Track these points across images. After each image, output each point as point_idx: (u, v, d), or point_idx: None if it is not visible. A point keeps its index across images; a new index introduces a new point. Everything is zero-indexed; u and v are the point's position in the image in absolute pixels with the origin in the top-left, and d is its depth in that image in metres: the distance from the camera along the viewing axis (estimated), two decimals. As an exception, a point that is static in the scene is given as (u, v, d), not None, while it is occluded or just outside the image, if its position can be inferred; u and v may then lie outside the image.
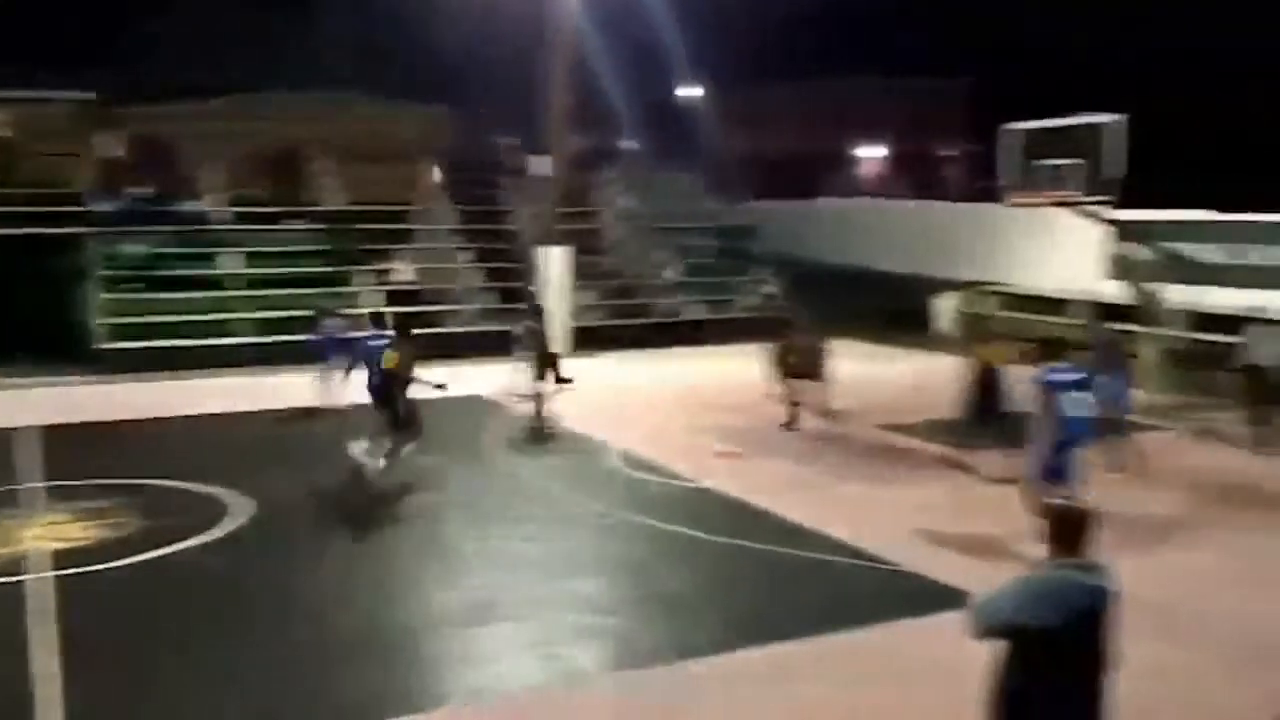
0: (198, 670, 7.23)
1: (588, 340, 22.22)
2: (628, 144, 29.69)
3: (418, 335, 13.13)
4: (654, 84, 33.49)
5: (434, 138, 27.83)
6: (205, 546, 9.76)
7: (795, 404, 14.70)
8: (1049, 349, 10.00)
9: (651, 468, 12.61)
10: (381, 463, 11.84)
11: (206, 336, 20.50)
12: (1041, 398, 9.45)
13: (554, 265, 22.10)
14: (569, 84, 22.03)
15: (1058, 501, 4.81)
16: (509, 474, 12.61)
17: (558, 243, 22.26)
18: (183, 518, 10.46)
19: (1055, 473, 9.26)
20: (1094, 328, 13.94)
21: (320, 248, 23.55)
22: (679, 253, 26.73)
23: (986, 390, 12.68)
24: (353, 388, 15.89)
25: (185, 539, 9.85)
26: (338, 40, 33.18)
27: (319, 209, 24.69)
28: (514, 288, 23.85)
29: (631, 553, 9.74)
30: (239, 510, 10.79)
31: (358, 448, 12.05)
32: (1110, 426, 11.67)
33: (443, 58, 28.50)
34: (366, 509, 11.06)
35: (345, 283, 22.67)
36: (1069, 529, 4.57)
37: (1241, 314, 14.90)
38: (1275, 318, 14.77)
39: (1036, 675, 4.46)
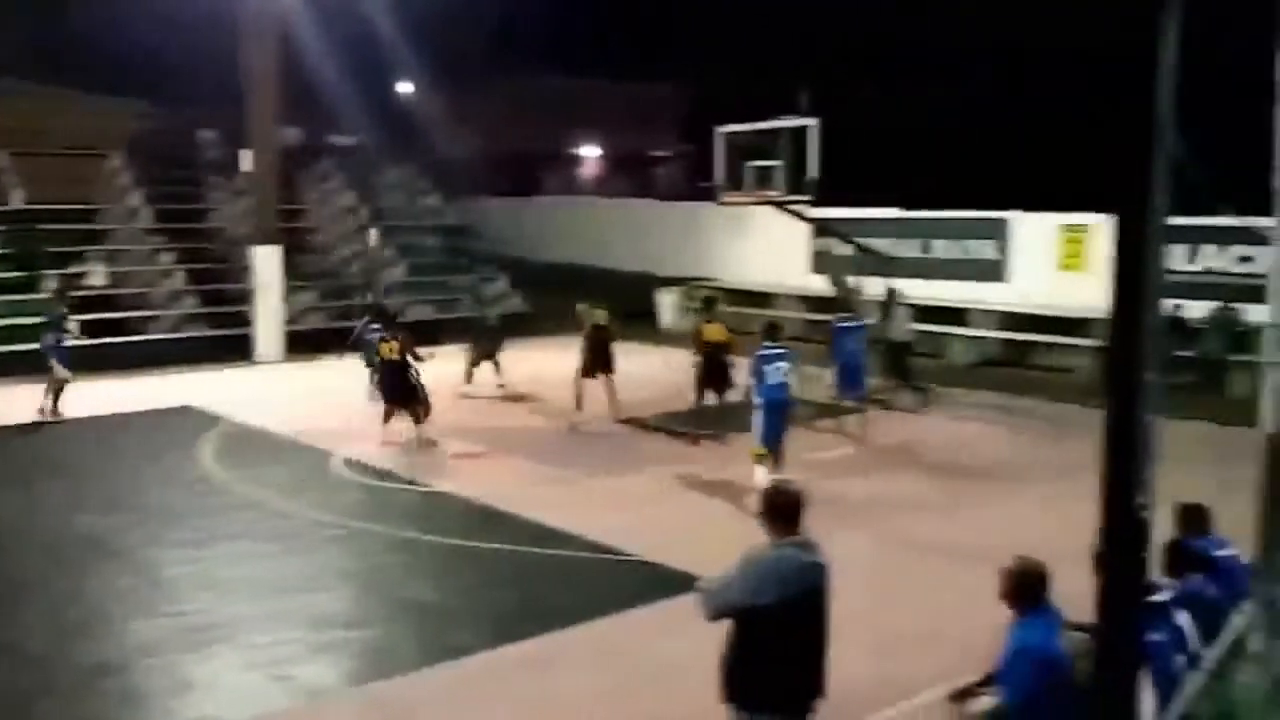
0: None
1: (306, 344, 21.32)
2: (346, 139, 28.62)
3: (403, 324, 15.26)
4: (374, 79, 32.48)
5: (125, 131, 25.79)
6: None
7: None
8: (767, 331, 11.67)
9: (384, 474, 12.19)
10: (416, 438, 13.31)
11: None
12: (753, 371, 11.21)
13: (266, 265, 21.00)
14: (279, 76, 20.99)
15: (774, 484, 5.07)
16: (222, 489, 11.79)
17: (270, 242, 21.16)
18: None
19: (770, 436, 11.04)
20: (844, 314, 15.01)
21: (-4, 250, 21.29)
22: (402, 251, 26.09)
23: (713, 369, 13.43)
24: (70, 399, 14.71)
25: None
26: (8, 26, 30.03)
27: (-8, 208, 22.32)
28: (221, 290, 22.55)
29: (368, 563, 9.37)
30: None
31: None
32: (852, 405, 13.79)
33: (137, 46, 26.35)
34: (61, 535, 10.07)
35: (30, 289, 20.56)
36: (785, 509, 4.82)
37: (880, 297, 16.56)
38: (904, 300, 16.74)
39: (763, 650, 4.69)
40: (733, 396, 13.28)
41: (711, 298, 16.62)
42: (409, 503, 11.20)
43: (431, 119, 34.82)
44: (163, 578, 8.97)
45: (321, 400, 16.40)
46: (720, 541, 9.36)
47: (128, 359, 18.83)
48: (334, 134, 28.23)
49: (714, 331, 13.77)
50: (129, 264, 22.83)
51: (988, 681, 5.19)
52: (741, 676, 4.76)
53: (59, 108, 24.07)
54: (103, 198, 24.36)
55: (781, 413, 11.21)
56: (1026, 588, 4.87)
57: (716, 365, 13.53)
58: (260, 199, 21.48)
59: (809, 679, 4.83)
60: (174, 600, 8.44)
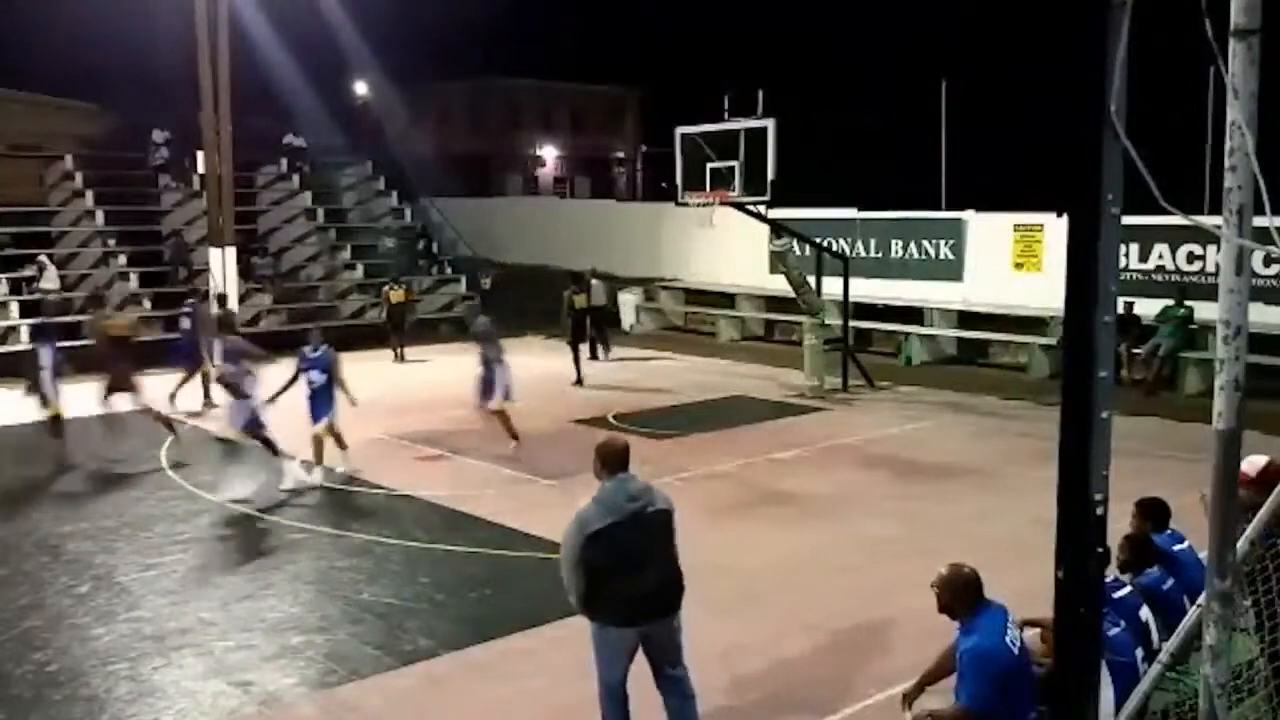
0: None
1: (263, 347, 21.02)
2: (303, 140, 28.35)
3: None
4: (331, 79, 32.24)
5: (76, 132, 25.41)
6: None
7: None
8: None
9: (345, 477, 12.09)
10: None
11: None
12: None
13: (221, 267, 20.74)
14: (233, 76, 20.75)
15: (606, 438, 5.86)
16: (182, 493, 11.64)
17: (225, 244, 20.91)
18: None
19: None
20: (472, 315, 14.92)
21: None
22: (359, 252, 25.88)
23: (582, 331, 17.35)
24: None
25: None
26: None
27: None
28: (175, 293, 22.24)
29: (329, 567, 9.28)
30: None
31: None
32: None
33: (88, 47, 25.96)
34: (18, 541, 9.91)
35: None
36: (609, 456, 5.68)
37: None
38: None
39: (601, 565, 5.45)
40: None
41: (580, 272, 19.80)
42: (370, 506, 11.12)
43: (390, 119, 34.64)
44: (121, 584, 8.84)
45: (279, 403, 16.20)
46: (683, 544, 9.42)
47: (83, 362, 18.51)
48: (290, 135, 27.94)
49: (581, 300, 17.97)
50: (81, 267, 22.50)
51: (931, 679, 5.23)
52: (597, 583, 5.48)
53: (7, 109, 23.66)
54: (54, 200, 23.99)
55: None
56: (961, 595, 4.92)
57: (585, 327, 17.62)
58: (214, 201, 21.21)
59: (647, 591, 5.52)
60: (133, 606, 8.32)
